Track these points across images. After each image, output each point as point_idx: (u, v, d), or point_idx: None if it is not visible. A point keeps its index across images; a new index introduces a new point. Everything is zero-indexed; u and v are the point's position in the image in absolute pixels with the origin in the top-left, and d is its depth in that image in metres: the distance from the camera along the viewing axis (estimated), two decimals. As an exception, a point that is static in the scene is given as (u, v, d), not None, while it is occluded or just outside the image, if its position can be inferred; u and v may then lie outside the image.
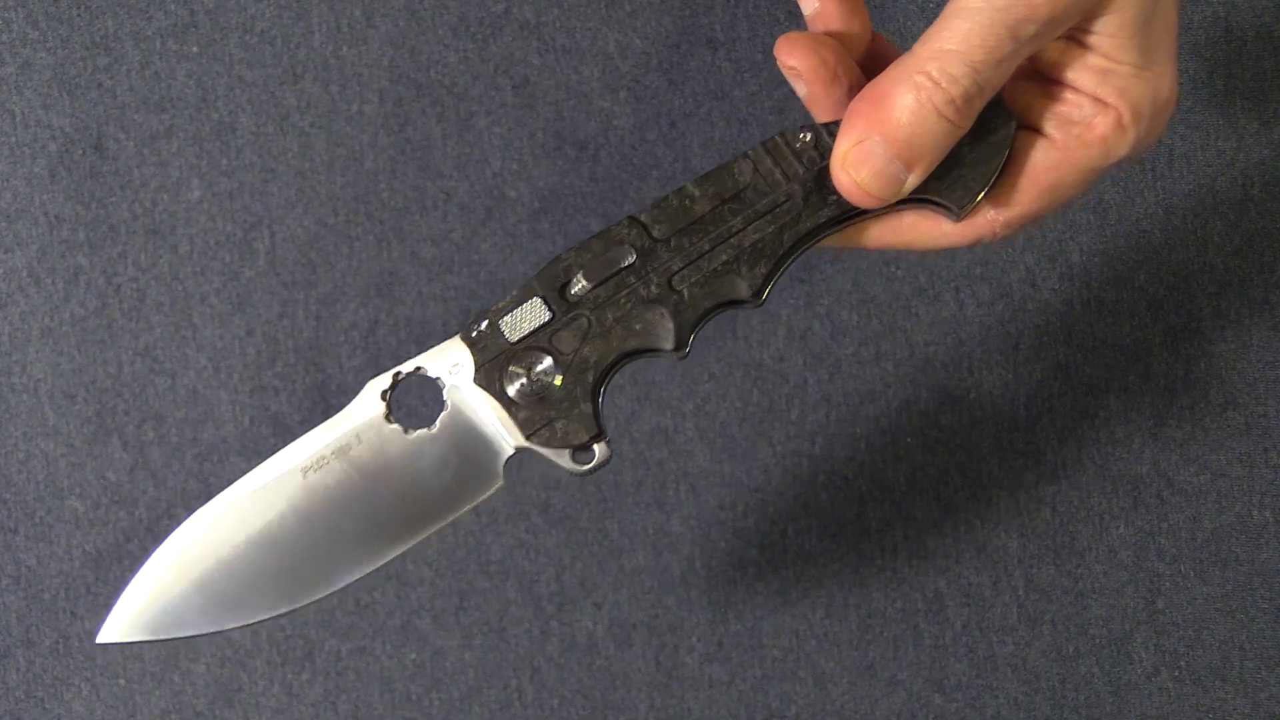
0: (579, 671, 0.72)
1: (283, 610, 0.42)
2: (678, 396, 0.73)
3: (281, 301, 0.72)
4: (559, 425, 0.43)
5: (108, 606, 0.43)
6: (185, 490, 0.72)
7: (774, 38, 0.75)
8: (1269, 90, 0.75)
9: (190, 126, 0.72)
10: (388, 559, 0.42)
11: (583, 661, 0.72)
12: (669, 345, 0.43)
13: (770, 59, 0.74)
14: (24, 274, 0.72)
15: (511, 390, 0.43)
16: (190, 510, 0.42)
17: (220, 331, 0.72)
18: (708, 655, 0.72)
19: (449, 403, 0.43)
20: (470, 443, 0.42)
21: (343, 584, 0.42)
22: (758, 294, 0.43)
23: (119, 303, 0.72)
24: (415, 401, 0.45)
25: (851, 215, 0.44)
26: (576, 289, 0.43)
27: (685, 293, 0.43)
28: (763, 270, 0.43)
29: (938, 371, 0.73)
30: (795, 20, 0.74)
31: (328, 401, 0.72)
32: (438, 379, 0.43)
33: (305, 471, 0.42)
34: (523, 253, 0.72)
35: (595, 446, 0.43)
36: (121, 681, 0.72)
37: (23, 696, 0.72)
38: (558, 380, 0.43)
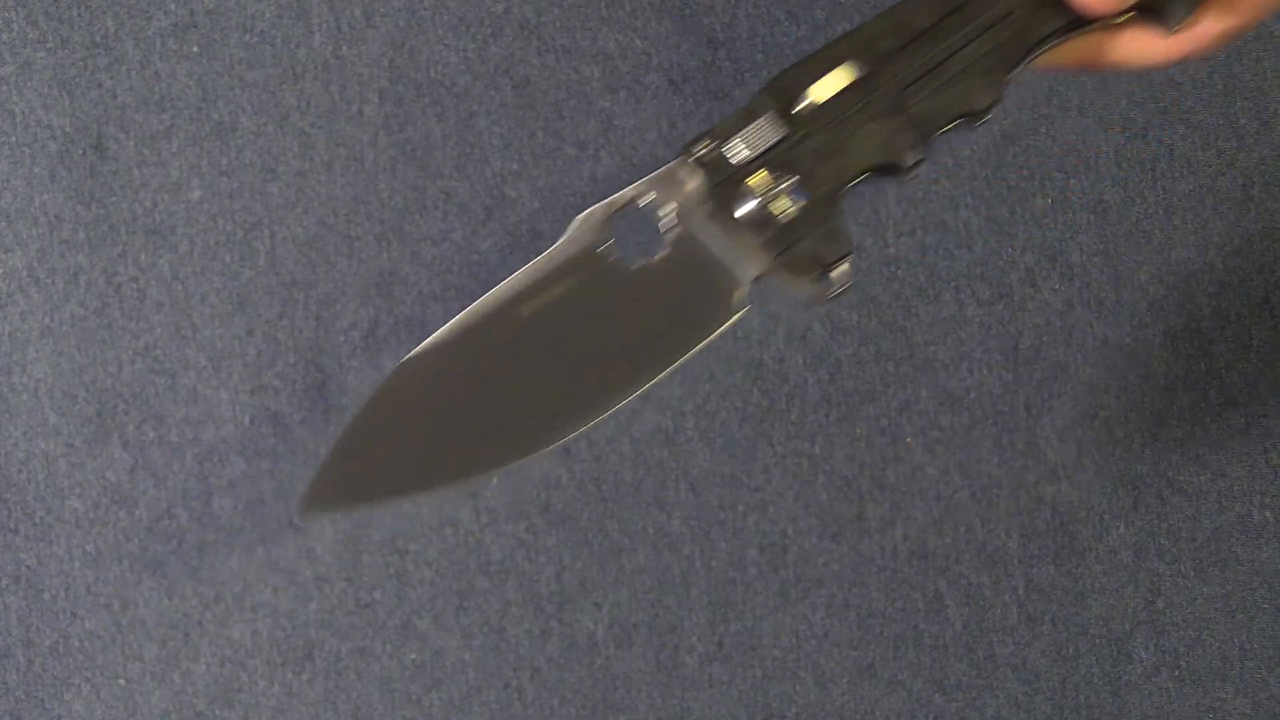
0: (579, 671, 0.72)
1: (501, 466, 0.37)
2: (678, 396, 0.73)
3: (281, 301, 0.72)
4: (804, 246, 0.39)
5: (307, 481, 0.37)
6: (185, 490, 0.72)
7: (774, 38, 0.75)
8: (1269, 90, 0.75)
9: (190, 126, 0.72)
10: (616, 406, 0.37)
11: (583, 661, 0.72)
12: (908, 161, 0.39)
13: (770, 59, 0.74)
14: (24, 274, 0.72)
15: (745, 213, 0.39)
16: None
17: (220, 331, 0.72)
18: (708, 655, 0.72)
19: (674, 232, 0.38)
20: (701, 274, 0.38)
21: (567, 436, 0.37)
22: (992, 104, 0.40)
23: (119, 303, 0.72)
24: (633, 232, 0.40)
25: (1076, 26, 0.41)
26: (803, 106, 0.39)
27: (920, 105, 0.40)
28: (997, 79, 0.40)
29: (938, 371, 0.73)
30: (795, 20, 0.74)
31: (328, 401, 0.72)
32: (658, 206, 0.39)
33: (520, 308, 0.38)
34: (522, 252, 0.72)
35: (842, 266, 0.39)
36: (121, 681, 0.72)
37: (23, 696, 0.72)
38: (796, 202, 0.39)
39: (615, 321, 0.37)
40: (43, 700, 0.72)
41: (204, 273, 0.72)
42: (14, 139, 0.72)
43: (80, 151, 0.72)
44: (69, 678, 0.72)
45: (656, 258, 0.38)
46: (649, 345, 0.37)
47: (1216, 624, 0.74)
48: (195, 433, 0.72)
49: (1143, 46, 0.43)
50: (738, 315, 0.38)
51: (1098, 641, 0.74)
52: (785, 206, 0.39)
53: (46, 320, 0.72)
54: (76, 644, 0.72)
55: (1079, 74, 0.40)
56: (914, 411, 0.73)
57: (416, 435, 0.36)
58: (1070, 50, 0.43)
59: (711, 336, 0.38)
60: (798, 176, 0.39)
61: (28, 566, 0.72)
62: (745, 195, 0.39)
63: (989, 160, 0.74)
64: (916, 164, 0.39)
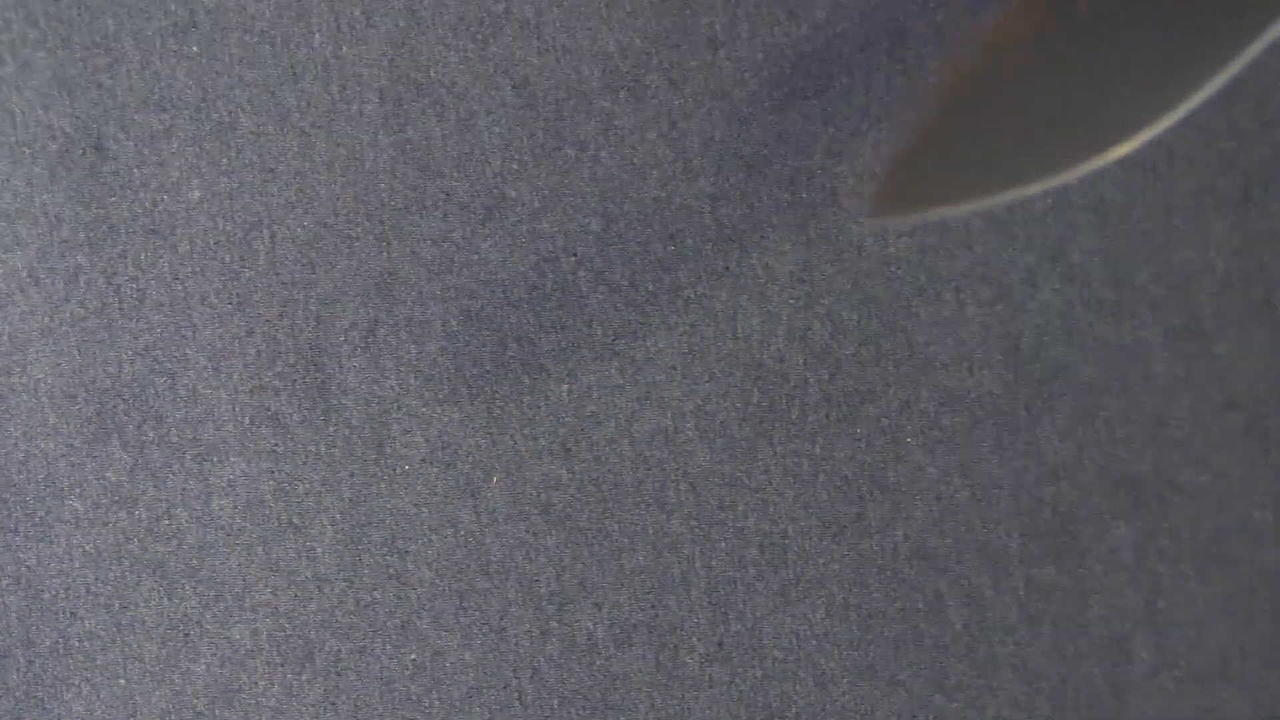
0: (579, 671, 0.72)
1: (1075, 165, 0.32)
2: (678, 396, 0.73)
3: (281, 301, 0.72)
4: None
5: (876, 183, 0.33)
6: (185, 490, 0.72)
7: (774, 38, 0.75)
8: (1269, 90, 0.75)
9: (190, 126, 0.72)
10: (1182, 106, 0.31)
11: (583, 661, 0.72)
12: None
13: (770, 58, 0.74)
14: (24, 274, 0.72)
15: None
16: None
17: (220, 331, 0.72)
18: (708, 655, 0.72)
19: None
20: None
21: (1141, 134, 0.31)
22: None
23: (119, 303, 0.72)
24: None
25: None
26: None
27: None
28: None
29: (938, 371, 0.73)
30: (795, 20, 0.74)
31: (328, 401, 0.72)
32: None
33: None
34: (523, 252, 0.72)
35: None
36: (121, 681, 0.72)
37: (23, 696, 0.72)
38: None
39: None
40: (43, 700, 0.72)
41: (204, 273, 0.72)
42: (14, 139, 0.72)
43: (80, 151, 0.72)
44: (69, 678, 0.72)
45: None
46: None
47: (1216, 624, 0.74)
48: (195, 433, 0.72)
49: None
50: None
51: (1098, 641, 0.74)
52: None
53: (46, 320, 0.72)
54: (76, 644, 0.72)
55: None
56: (914, 411, 0.73)
57: (984, 137, 0.32)
58: None
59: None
60: None
61: (28, 566, 0.72)
62: None
63: (989, 160, 0.74)
64: None
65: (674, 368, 0.72)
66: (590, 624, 0.72)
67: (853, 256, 0.73)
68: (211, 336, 0.72)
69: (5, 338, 0.72)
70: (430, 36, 0.73)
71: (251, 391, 0.72)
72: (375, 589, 0.72)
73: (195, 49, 0.72)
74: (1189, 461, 0.74)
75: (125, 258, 0.72)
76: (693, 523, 0.72)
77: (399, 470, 0.72)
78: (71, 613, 0.72)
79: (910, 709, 0.73)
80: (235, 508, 0.71)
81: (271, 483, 0.72)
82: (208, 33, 0.72)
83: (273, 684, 0.72)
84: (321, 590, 0.72)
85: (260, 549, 0.72)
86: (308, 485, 0.72)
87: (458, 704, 0.72)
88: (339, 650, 0.72)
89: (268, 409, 0.72)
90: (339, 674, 0.72)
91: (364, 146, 0.73)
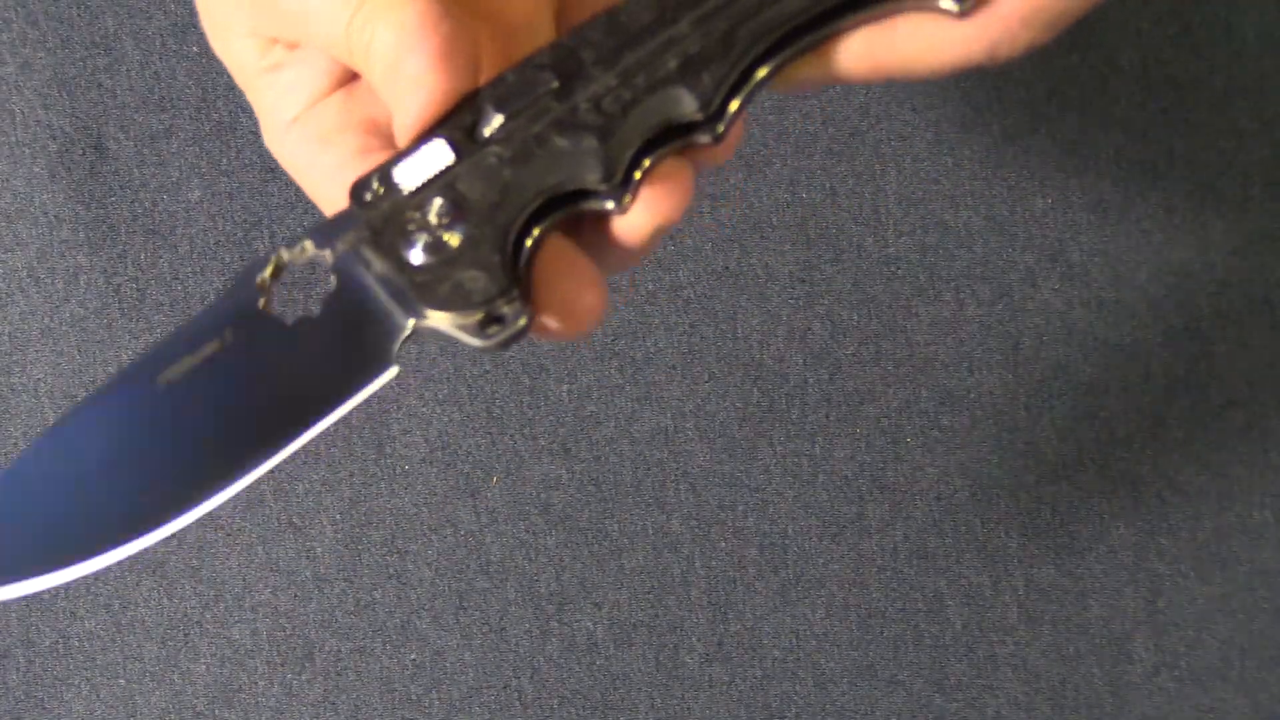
0: (579, 671, 0.72)
1: (141, 537, 0.35)
2: (678, 396, 0.73)
3: (281, 301, 0.72)
4: (459, 279, 0.33)
5: None
6: (185, 490, 0.72)
7: (774, 38, 0.75)
8: (1269, 90, 0.75)
9: (190, 126, 0.72)
10: (264, 466, 0.35)
11: (583, 661, 0.72)
12: (595, 176, 0.34)
13: (770, 59, 0.74)
14: (24, 274, 0.72)
15: (410, 253, 0.34)
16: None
17: (220, 331, 0.72)
18: (708, 655, 0.72)
19: (334, 279, 0.35)
20: (359, 322, 0.34)
21: (217, 498, 0.36)
22: (707, 108, 0.34)
23: (119, 303, 0.72)
24: (302, 283, 0.38)
25: (826, 11, 0.35)
26: (488, 128, 0.34)
27: (616, 112, 0.34)
28: (711, 77, 0.34)
29: (938, 371, 0.73)
30: (795, 20, 0.74)
31: (328, 401, 0.72)
32: (325, 253, 0.35)
33: (161, 378, 0.35)
34: (523, 253, 0.72)
35: (504, 309, 0.33)
36: (121, 681, 0.72)
37: (23, 696, 0.72)
38: (457, 230, 0.34)
39: (265, 381, 0.35)
40: (43, 700, 0.72)
41: (204, 273, 0.72)
42: (14, 139, 0.72)
43: (80, 151, 0.72)
44: (69, 678, 0.72)
45: (316, 311, 0.34)
46: (298, 403, 0.34)
47: (1216, 624, 0.74)
48: (195, 433, 0.72)
49: (931, 38, 0.35)
50: (386, 375, 0.34)
51: (1098, 641, 0.74)
52: (440, 240, 0.34)
53: (46, 320, 0.72)
54: (76, 644, 0.72)
55: (864, 81, 0.36)
56: (914, 411, 0.73)
57: (44, 518, 0.34)
58: (840, 52, 0.36)
59: (361, 394, 0.34)
60: (446, 201, 0.34)
61: (28, 566, 0.72)
62: (406, 231, 0.34)
63: (989, 160, 0.74)
64: (608, 181, 0.34)
65: (673, 367, 0.72)
66: (590, 624, 0.72)
67: (853, 256, 0.73)
68: (211, 336, 0.72)
69: (5, 338, 0.72)
70: (430, 36, 0.73)
71: (251, 391, 0.72)
72: (375, 589, 0.72)
73: (195, 49, 0.72)
74: (1188, 461, 0.74)
75: (125, 258, 0.72)
76: (692, 522, 0.73)
77: (399, 470, 0.72)
78: (71, 613, 0.72)
79: (910, 709, 0.73)
80: (235, 508, 0.71)
81: (271, 482, 0.72)
82: (208, 33, 0.72)
83: (273, 684, 0.72)
84: (321, 590, 0.72)
85: (260, 549, 0.72)
86: (307, 485, 0.72)
87: (458, 704, 0.72)
88: (339, 650, 0.72)
89: (268, 409, 0.72)
90: (339, 674, 0.72)
91: (364, 146, 0.73)
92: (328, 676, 0.72)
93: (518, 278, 0.34)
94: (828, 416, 0.73)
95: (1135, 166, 0.74)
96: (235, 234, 0.72)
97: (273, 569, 0.72)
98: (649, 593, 0.72)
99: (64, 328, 0.72)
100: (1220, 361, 0.74)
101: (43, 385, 0.72)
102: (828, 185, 0.73)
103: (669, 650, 0.73)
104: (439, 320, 0.34)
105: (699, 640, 0.73)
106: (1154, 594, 0.74)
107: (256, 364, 0.35)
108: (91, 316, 0.72)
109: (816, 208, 0.73)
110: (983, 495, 0.73)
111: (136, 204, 0.72)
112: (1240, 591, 0.74)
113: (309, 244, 0.35)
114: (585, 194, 0.34)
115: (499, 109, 0.35)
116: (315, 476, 0.72)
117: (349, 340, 0.34)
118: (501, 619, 0.72)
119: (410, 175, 0.34)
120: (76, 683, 0.72)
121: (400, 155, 0.35)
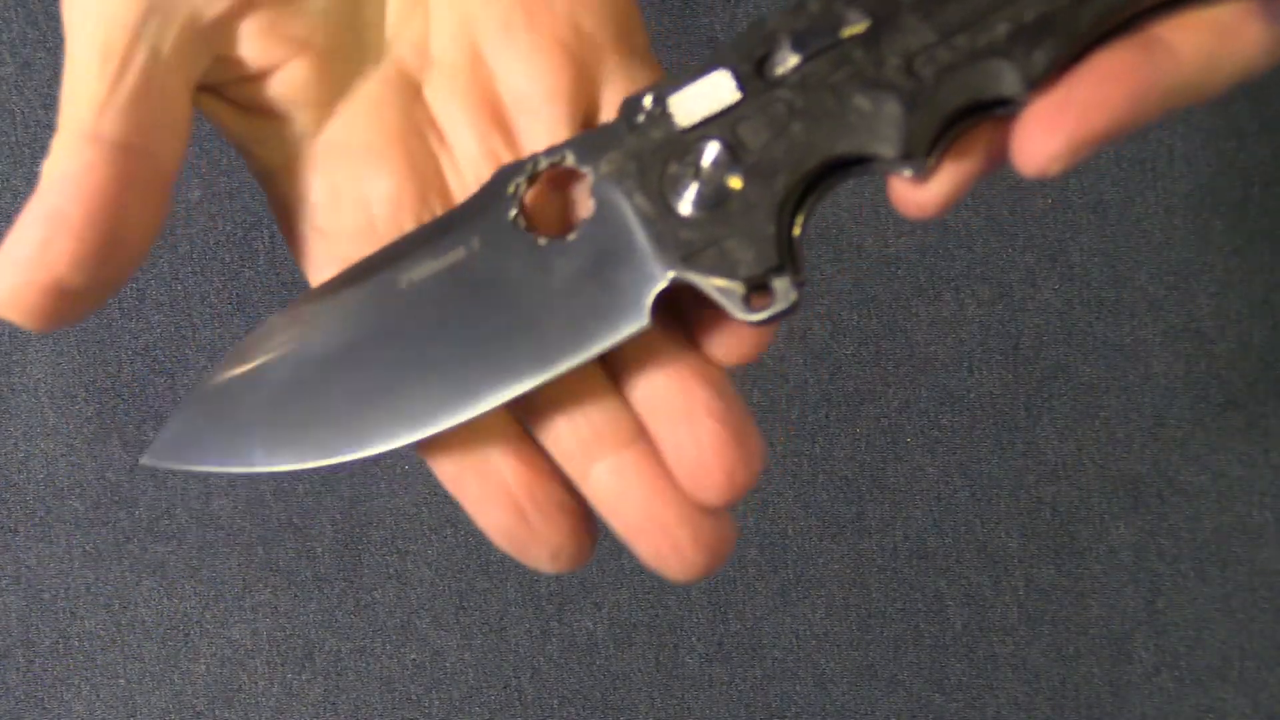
0: (579, 671, 0.72)
1: (361, 453, 0.33)
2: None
3: (281, 301, 0.72)
4: (726, 246, 0.30)
5: (161, 426, 0.34)
6: (185, 490, 0.72)
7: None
8: (1269, 91, 0.75)
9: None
10: (495, 403, 0.31)
11: (583, 661, 0.72)
12: (891, 150, 0.29)
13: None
14: (24, 274, 0.72)
15: (678, 200, 0.30)
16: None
17: (219, 332, 0.72)
18: (708, 655, 0.72)
19: (595, 205, 0.31)
20: (614, 262, 0.31)
21: (437, 428, 0.32)
22: (1030, 85, 0.28)
23: (119, 303, 0.72)
24: (559, 199, 0.33)
25: None
26: (781, 65, 0.30)
27: (929, 77, 0.29)
28: (1045, 55, 0.28)
29: (938, 371, 0.73)
30: (795, 20, 0.74)
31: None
32: (586, 172, 0.31)
33: (404, 279, 0.32)
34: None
35: (774, 283, 0.30)
36: (121, 681, 0.72)
37: (23, 696, 0.72)
38: (734, 181, 0.30)
39: (510, 304, 0.31)
40: (43, 700, 0.72)
41: (204, 273, 0.72)
42: (14, 139, 0.72)
43: (80, 151, 0.72)
44: (69, 678, 0.72)
45: (571, 236, 0.31)
46: (542, 336, 0.31)
47: (1216, 624, 0.74)
48: (195, 433, 0.72)
49: (1261, 34, 0.29)
50: (637, 327, 0.30)
51: (1098, 641, 0.74)
52: (715, 191, 0.30)
53: (46, 320, 0.72)
54: (76, 644, 0.72)
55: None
56: (914, 411, 0.73)
57: (272, 401, 0.32)
58: (1179, 61, 0.29)
59: (611, 342, 0.31)
60: (725, 149, 0.30)
61: (28, 566, 0.72)
62: (674, 172, 0.30)
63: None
64: (907, 158, 0.29)
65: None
66: (590, 624, 0.72)
67: (853, 256, 0.73)
68: (211, 336, 0.72)
69: (5, 338, 0.72)
70: (430, 36, 0.73)
71: (251, 391, 0.72)
72: (375, 589, 0.72)
73: (195, 49, 0.72)
74: (1189, 461, 0.74)
75: (125, 258, 0.72)
76: (693, 523, 0.73)
77: (399, 470, 0.72)
78: (71, 613, 0.72)
79: (910, 708, 0.73)
80: (235, 508, 0.71)
81: (271, 482, 0.72)
82: (208, 33, 0.72)
83: (273, 684, 0.72)
84: (321, 590, 0.72)
85: (260, 549, 0.72)
86: (308, 485, 0.72)
87: (458, 704, 0.72)
88: (339, 650, 0.72)
89: (268, 409, 0.72)
90: (339, 674, 0.72)
91: (364, 146, 0.73)
92: (328, 676, 0.72)
93: (791, 252, 0.30)
94: (828, 416, 0.73)
95: (1135, 166, 0.74)
96: (235, 234, 0.72)
97: (273, 569, 0.72)
98: (649, 593, 0.72)
99: (64, 327, 0.72)
100: (1220, 361, 0.74)
101: (43, 385, 0.72)
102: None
103: (669, 650, 0.72)
104: (699, 280, 0.30)
105: (699, 640, 0.73)
106: (1154, 594, 0.74)
107: (501, 281, 0.31)
108: (91, 316, 0.72)
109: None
110: (983, 495, 0.73)
111: (136, 204, 0.72)
112: (1240, 591, 0.74)
113: (570, 156, 0.31)
114: (874, 156, 0.29)
115: (796, 46, 0.30)
116: (315, 476, 0.72)
117: (600, 275, 0.31)
118: (501, 619, 0.72)
119: (688, 106, 0.30)
120: (76, 683, 0.72)
121: (680, 80, 0.30)
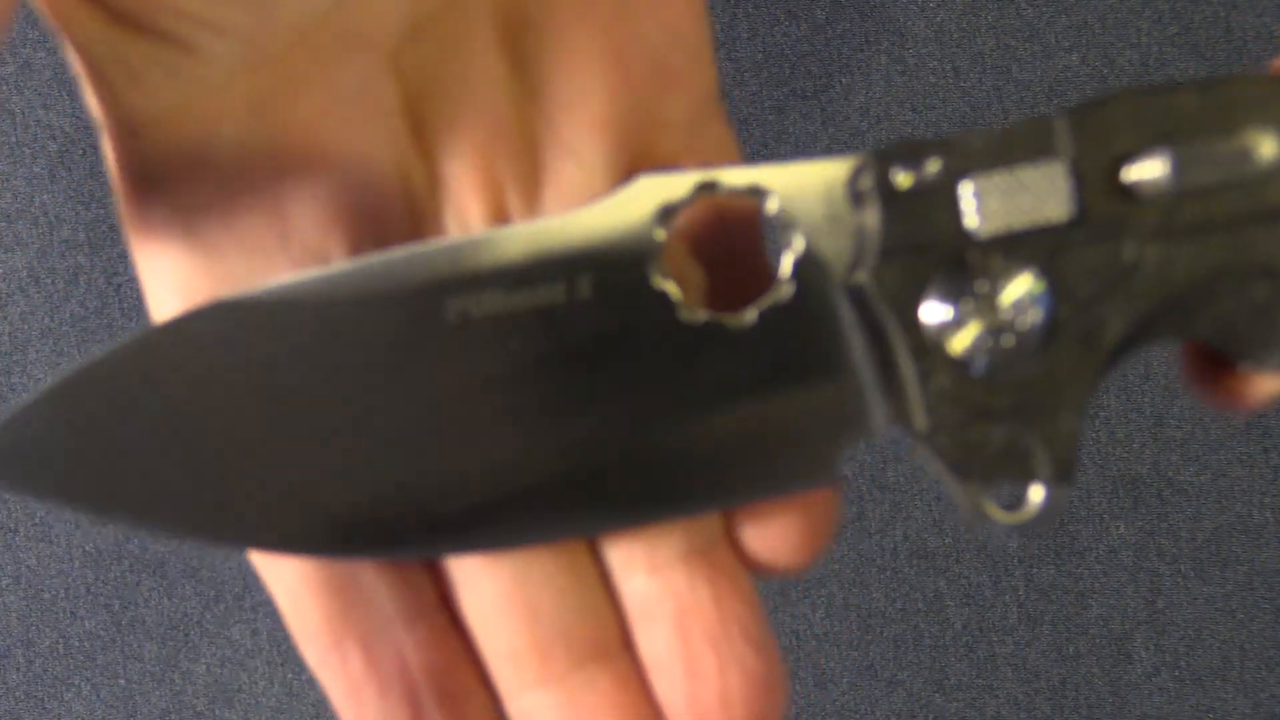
0: (579, 671, 0.72)
1: (326, 555, 0.23)
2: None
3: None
4: (998, 431, 0.20)
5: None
6: (185, 490, 0.72)
7: (774, 37, 0.75)
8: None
9: (190, 126, 0.72)
10: (567, 533, 0.21)
11: (583, 661, 0.72)
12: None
13: (770, 59, 0.74)
14: (24, 274, 0.72)
15: (934, 320, 0.20)
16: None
17: (220, 331, 0.72)
18: (708, 655, 0.72)
19: (793, 288, 0.21)
20: (802, 386, 0.21)
21: (473, 546, 0.21)
22: None
23: (119, 303, 0.72)
24: (728, 243, 0.23)
25: None
26: (1145, 174, 0.20)
27: None
28: None
29: (938, 371, 0.73)
30: (795, 20, 0.74)
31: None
32: (788, 224, 0.21)
33: (456, 306, 0.21)
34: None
35: (1035, 488, 0.21)
36: (121, 681, 0.72)
37: (23, 696, 0.72)
38: (1024, 349, 0.20)
39: (629, 386, 0.21)
40: (43, 700, 0.72)
41: (204, 273, 0.72)
42: (14, 139, 0.72)
43: (80, 151, 0.72)
44: (69, 678, 0.72)
45: (748, 316, 0.21)
46: (660, 454, 0.21)
47: (1216, 624, 0.74)
48: (195, 433, 0.72)
49: None
50: (810, 486, 0.21)
51: (1098, 641, 0.74)
52: (1009, 351, 0.20)
53: (46, 320, 0.72)
54: (76, 644, 0.72)
55: None
56: (914, 411, 0.73)
57: (196, 439, 0.22)
58: None
59: (753, 496, 0.21)
60: (1050, 297, 0.20)
61: (28, 566, 0.72)
62: (947, 291, 0.20)
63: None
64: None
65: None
66: (590, 624, 0.72)
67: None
68: (211, 336, 0.72)
69: (5, 338, 0.72)
70: (430, 36, 0.73)
71: (251, 391, 0.72)
72: (375, 589, 0.72)
73: (195, 49, 0.72)
74: (1189, 461, 0.74)
75: (125, 258, 0.72)
76: (693, 523, 0.73)
77: (399, 470, 0.72)
78: (71, 613, 0.72)
79: (910, 708, 0.73)
80: (235, 508, 0.71)
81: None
82: (208, 33, 0.72)
83: (273, 684, 0.72)
84: (321, 590, 0.72)
85: (260, 549, 0.72)
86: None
87: (458, 704, 0.72)
88: (339, 650, 0.72)
89: (268, 409, 0.72)
90: (339, 674, 0.72)
91: (364, 146, 0.72)
92: (328, 676, 0.72)
93: (1073, 456, 0.20)
94: (828, 416, 0.73)
95: (1135, 166, 0.74)
96: (235, 234, 0.72)
97: (273, 569, 0.72)
98: (649, 593, 0.72)
99: (64, 328, 0.72)
100: (1220, 361, 0.74)
101: (43, 385, 0.72)
102: (828, 185, 0.72)
103: (669, 650, 0.72)
104: (932, 451, 0.20)
105: (699, 640, 0.73)
106: (1154, 594, 0.74)
107: (616, 354, 0.20)
108: (91, 316, 0.72)
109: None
110: (983, 495, 0.73)
111: (136, 204, 0.72)
112: (1240, 591, 0.74)
113: (776, 201, 0.21)
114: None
115: (1174, 151, 0.20)
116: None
117: (773, 395, 0.21)
118: (501, 619, 0.72)
119: (986, 199, 0.20)
120: (76, 683, 0.72)
121: (976, 154, 0.20)
